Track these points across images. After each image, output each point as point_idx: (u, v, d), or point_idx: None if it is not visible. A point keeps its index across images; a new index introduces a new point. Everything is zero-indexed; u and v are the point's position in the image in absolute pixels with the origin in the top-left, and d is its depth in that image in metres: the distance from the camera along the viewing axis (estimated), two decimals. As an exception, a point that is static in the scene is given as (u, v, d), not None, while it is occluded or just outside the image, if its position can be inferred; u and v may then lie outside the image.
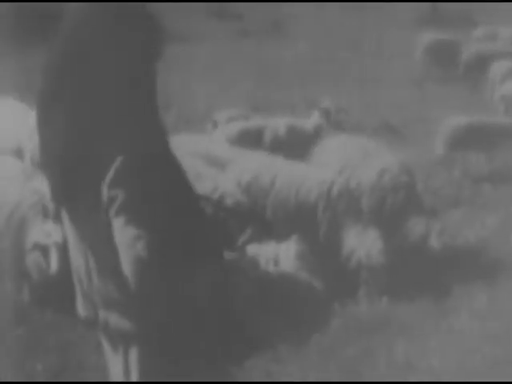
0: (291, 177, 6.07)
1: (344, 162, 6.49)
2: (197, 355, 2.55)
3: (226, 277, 2.66)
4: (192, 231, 2.50)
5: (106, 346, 2.61)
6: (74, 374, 4.70)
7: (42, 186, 5.50)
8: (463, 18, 16.91)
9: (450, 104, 10.89)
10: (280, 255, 5.43)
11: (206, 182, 5.83)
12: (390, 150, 7.09)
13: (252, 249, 5.40)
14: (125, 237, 2.36)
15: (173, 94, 10.18)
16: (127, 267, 2.37)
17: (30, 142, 6.49)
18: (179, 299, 2.44)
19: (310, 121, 8.52)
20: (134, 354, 2.51)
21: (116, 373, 2.59)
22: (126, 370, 2.54)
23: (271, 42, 16.10)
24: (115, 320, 2.49)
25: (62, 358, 4.87)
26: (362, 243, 5.78)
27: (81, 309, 2.62)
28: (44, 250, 5.20)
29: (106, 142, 2.40)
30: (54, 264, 5.14)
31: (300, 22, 17.92)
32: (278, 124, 8.32)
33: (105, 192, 2.36)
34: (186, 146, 6.55)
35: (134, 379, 2.53)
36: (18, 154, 6.69)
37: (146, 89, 2.50)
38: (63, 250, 4.90)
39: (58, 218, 2.56)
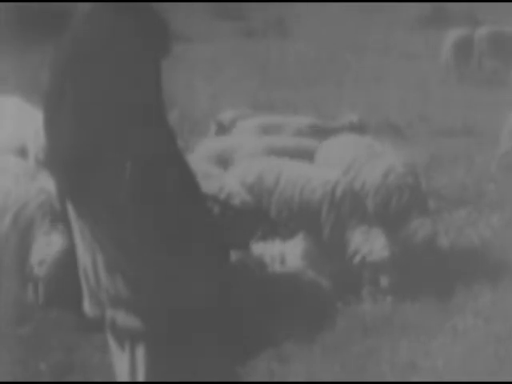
0: (295, 176, 6.07)
1: (349, 161, 6.49)
2: (203, 354, 2.55)
3: (233, 276, 2.66)
4: (199, 232, 2.50)
5: (113, 344, 2.61)
6: (78, 374, 4.70)
7: (47, 184, 5.50)
8: (466, 16, 16.88)
9: (458, 104, 10.88)
10: (286, 253, 5.43)
11: (211, 181, 5.84)
12: (395, 150, 7.09)
13: (258, 248, 5.40)
14: (136, 244, 2.37)
15: (176, 93, 10.18)
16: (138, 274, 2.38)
17: (35, 140, 6.49)
18: (186, 298, 2.44)
19: (337, 123, 8.39)
20: (140, 353, 2.50)
21: (122, 372, 2.59)
22: (133, 369, 2.54)
23: (274, 42, 16.10)
24: (122, 318, 2.49)
25: (66, 358, 4.87)
26: (366, 241, 5.78)
27: (87, 307, 2.62)
28: (35, 280, 5.28)
29: (113, 141, 2.40)
30: (41, 297, 5.27)
31: (303, 22, 17.91)
32: (299, 121, 8.26)
33: (118, 198, 2.36)
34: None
35: (140, 378, 2.53)
36: (22, 152, 6.69)
37: (153, 89, 2.50)
38: (53, 280, 5.18)
39: (65, 217, 2.56)
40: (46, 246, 5.25)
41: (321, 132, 8.02)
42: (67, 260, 5.11)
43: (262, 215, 5.82)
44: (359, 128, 8.21)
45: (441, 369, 4.76)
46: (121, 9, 2.44)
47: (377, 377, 4.72)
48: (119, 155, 2.37)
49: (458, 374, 4.68)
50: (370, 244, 5.76)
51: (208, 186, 5.64)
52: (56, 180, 2.56)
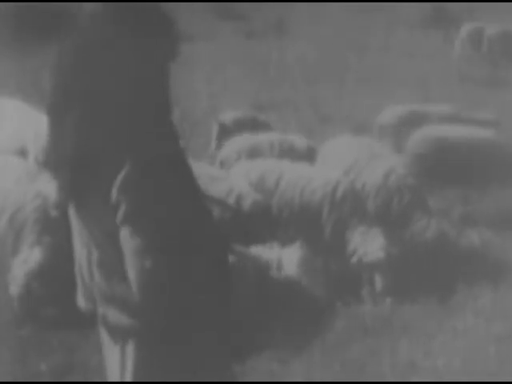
0: (296, 177, 6.07)
1: (350, 162, 6.49)
2: (194, 353, 2.55)
3: (230, 278, 2.66)
4: (197, 233, 2.50)
5: (104, 336, 2.61)
6: (78, 374, 4.71)
7: (45, 188, 5.51)
8: (467, 16, 16.88)
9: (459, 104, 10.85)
10: (283, 260, 5.45)
11: (220, 184, 5.84)
12: (395, 151, 7.10)
13: (256, 251, 5.41)
14: (131, 245, 2.37)
15: (177, 94, 10.16)
16: (132, 275, 2.38)
17: (35, 142, 6.50)
18: (182, 301, 2.44)
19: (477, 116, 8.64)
20: (130, 348, 2.51)
21: (113, 364, 2.58)
22: (123, 362, 2.54)
23: (275, 42, 16.09)
24: (114, 315, 2.49)
25: (66, 358, 4.87)
26: (364, 242, 5.77)
27: (81, 301, 2.63)
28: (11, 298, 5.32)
29: (117, 143, 2.40)
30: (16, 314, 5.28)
31: (303, 22, 17.91)
32: (442, 110, 8.50)
33: (114, 195, 2.36)
34: None
35: (128, 372, 2.53)
36: (22, 153, 6.70)
37: (159, 91, 2.51)
38: (24, 299, 5.21)
39: (62, 214, 2.57)
40: (22, 263, 5.27)
41: (460, 122, 8.13)
42: (39, 278, 5.19)
43: (271, 216, 5.83)
44: (493, 125, 8.29)
45: (441, 369, 4.77)
46: (128, 9, 2.45)
47: (377, 377, 4.72)
48: (122, 157, 2.38)
49: (459, 374, 4.68)
50: (367, 245, 5.75)
51: (216, 188, 5.66)
52: (58, 179, 2.56)
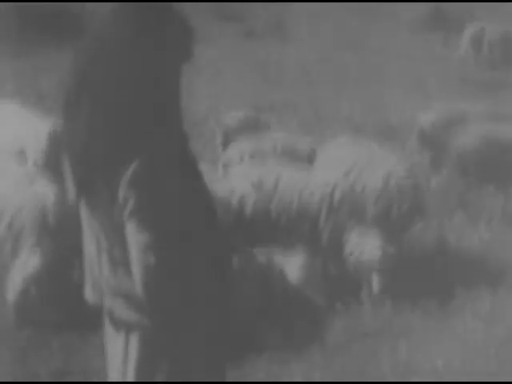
0: (294, 180, 6.05)
1: (349, 164, 6.46)
2: (197, 353, 2.57)
3: (233, 278, 2.68)
4: (203, 239, 2.52)
5: (108, 326, 2.63)
6: (78, 378, 4.71)
7: (44, 191, 5.51)
8: (467, 18, 16.90)
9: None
10: (285, 266, 5.46)
11: (222, 185, 5.85)
12: (394, 152, 7.08)
13: (259, 255, 5.43)
14: (136, 241, 2.38)
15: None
16: (136, 271, 2.40)
17: (35, 145, 6.50)
18: (184, 298, 2.46)
19: None
20: (134, 339, 2.52)
21: (115, 353, 2.59)
22: (126, 352, 2.55)
23: (275, 43, 16.10)
24: (120, 309, 2.52)
25: (66, 362, 4.87)
26: (362, 242, 5.76)
27: (88, 294, 2.64)
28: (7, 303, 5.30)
29: (127, 140, 2.42)
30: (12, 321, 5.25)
31: (303, 23, 17.91)
32: (481, 108, 8.52)
33: (121, 192, 2.38)
34: None
35: (131, 363, 2.54)
36: (21, 156, 6.69)
37: (172, 91, 2.53)
38: (21, 306, 5.18)
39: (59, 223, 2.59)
40: (22, 268, 5.26)
41: (498, 120, 8.13)
42: (38, 282, 5.18)
43: (271, 219, 5.84)
44: None
45: (440, 371, 4.77)
46: (143, 10, 2.47)
47: (377, 379, 4.72)
48: (131, 152, 2.40)
49: (458, 376, 4.68)
50: (364, 245, 5.75)
51: (220, 188, 5.67)
52: (67, 173, 2.58)
